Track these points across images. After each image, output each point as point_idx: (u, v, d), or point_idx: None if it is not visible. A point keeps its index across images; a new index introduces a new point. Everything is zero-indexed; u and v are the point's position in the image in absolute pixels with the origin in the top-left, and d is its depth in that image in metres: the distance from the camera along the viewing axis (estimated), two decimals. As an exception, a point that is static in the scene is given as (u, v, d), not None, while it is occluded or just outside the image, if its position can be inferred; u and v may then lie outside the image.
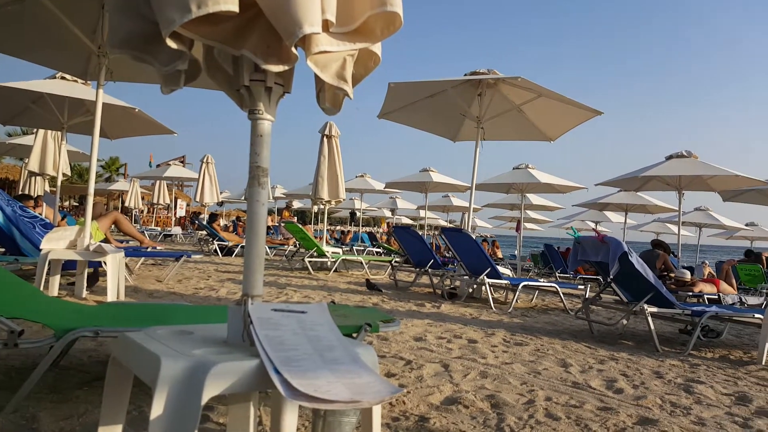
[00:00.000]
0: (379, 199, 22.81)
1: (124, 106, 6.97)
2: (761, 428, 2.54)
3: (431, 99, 7.84)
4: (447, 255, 12.79)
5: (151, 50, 1.56)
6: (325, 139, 9.81)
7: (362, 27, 1.52)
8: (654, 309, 4.55)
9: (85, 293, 4.90)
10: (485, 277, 6.48)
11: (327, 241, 10.91)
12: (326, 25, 1.42)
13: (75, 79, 6.66)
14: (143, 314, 2.85)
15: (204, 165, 15.84)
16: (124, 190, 23.46)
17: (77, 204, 30.92)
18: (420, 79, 7.82)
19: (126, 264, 5.68)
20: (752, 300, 7.59)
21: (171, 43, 1.39)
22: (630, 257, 4.62)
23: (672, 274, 7.95)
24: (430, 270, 7.75)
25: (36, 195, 9.69)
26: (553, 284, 7.01)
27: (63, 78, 6.80)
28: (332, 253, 9.73)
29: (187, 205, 30.54)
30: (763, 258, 10.73)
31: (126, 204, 22.14)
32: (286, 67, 1.47)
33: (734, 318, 4.70)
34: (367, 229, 27.94)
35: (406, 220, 26.85)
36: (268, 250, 12.79)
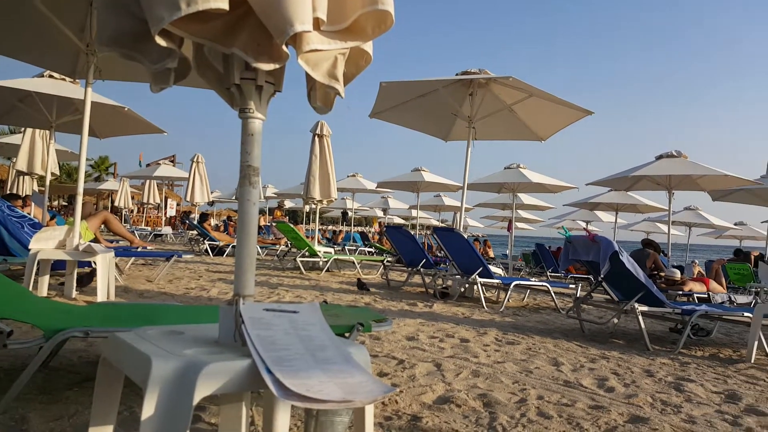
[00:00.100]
0: (370, 198, 22.80)
1: (114, 105, 6.92)
2: (750, 426, 2.56)
3: (423, 98, 7.84)
4: (439, 254, 12.81)
5: (140, 48, 1.54)
6: (316, 139, 9.79)
7: (353, 25, 1.51)
8: (645, 308, 4.58)
9: (74, 293, 4.86)
10: (477, 276, 6.49)
11: (319, 241, 10.89)
12: (317, 24, 1.42)
13: (63, 77, 6.60)
14: (134, 314, 2.83)
15: (194, 164, 15.76)
16: (114, 190, 23.31)
17: (66, 204, 30.66)
18: (413, 78, 7.82)
19: (116, 264, 5.64)
20: (741, 299, 7.66)
21: (160, 41, 1.38)
22: (621, 256, 4.64)
23: (662, 273, 8.01)
24: (422, 269, 7.75)
25: (24, 194, 9.60)
26: (544, 283, 7.04)
27: (51, 76, 6.74)
28: (324, 252, 9.72)
29: (178, 204, 30.37)
30: (752, 257, 10.83)
31: (116, 204, 22.00)
32: (277, 66, 1.46)
33: (724, 317, 4.74)
34: (359, 228, 27.91)
35: (398, 220, 26.87)
36: (260, 250, 12.75)
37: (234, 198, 21.47)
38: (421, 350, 3.75)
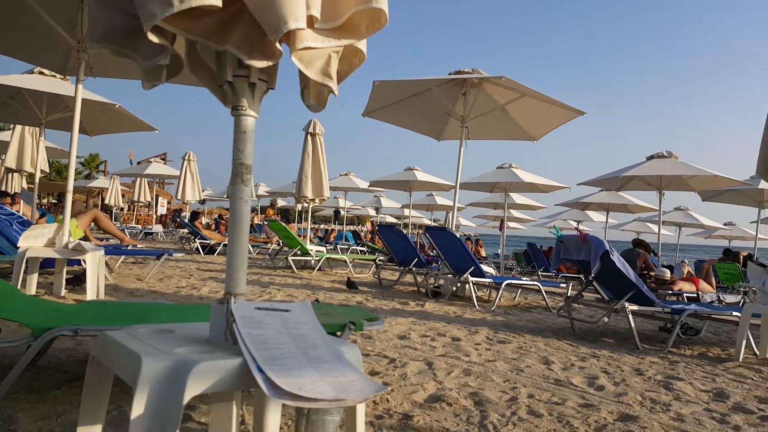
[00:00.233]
0: (363, 197, 22.78)
1: (105, 102, 6.87)
2: (738, 423, 2.58)
3: (416, 98, 7.85)
4: (431, 254, 12.84)
5: (132, 45, 1.53)
6: (309, 137, 9.77)
7: (347, 23, 1.51)
8: (635, 307, 4.61)
9: (63, 292, 4.82)
10: (469, 275, 6.51)
11: (311, 240, 10.87)
12: (311, 21, 1.41)
13: (54, 74, 6.55)
14: (123, 313, 2.81)
15: (186, 162, 15.69)
16: (104, 188, 23.15)
17: (56, 201, 30.45)
18: (406, 77, 7.83)
19: (106, 262, 5.60)
20: (730, 298, 7.74)
21: (152, 38, 1.37)
22: (611, 256, 4.67)
23: (652, 273, 8.07)
24: (414, 268, 7.76)
25: (13, 192, 9.50)
26: (535, 282, 7.07)
27: (41, 73, 6.68)
28: (316, 251, 9.70)
29: (169, 202, 30.22)
30: (741, 257, 10.93)
31: (106, 201, 21.85)
32: (270, 63, 1.46)
33: (712, 316, 4.79)
34: (352, 227, 27.90)
35: (390, 219, 26.86)
36: (251, 249, 12.71)
37: (225, 196, 21.37)
38: (412, 349, 3.76)
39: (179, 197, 15.91)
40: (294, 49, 1.43)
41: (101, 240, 7.94)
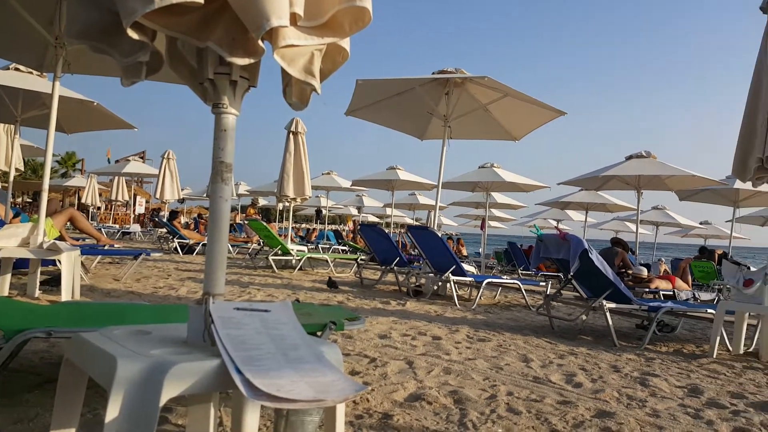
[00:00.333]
0: (345, 196, 22.73)
1: (82, 100, 6.74)
2: (711, 418, 2.64)
3: (399, 97, 7.85)
4: (413, 253, 12.86)
5: (111, 41, 1.51)
6: (291, 136, 9.71)
7: (331, 21, 1.50)
8: (612, 305, 4.67)
9: (37, 293, 4.73)
10: (450, 274, 6.54)
11: (292, 239, 10.81)
12: (294, 19, 1.41)
13: (30, 70, 6.40)
14: (99, 314, 2.76)
15: (165, 161, 15.50)
16: (81, 187, 22.78)
17: (31, 200, 29.86)
18: (391, 76, 7.83)
19: (82, 262, 5.51)
20: (705, 296, 7.89)
21: (132, 34, 1.35)
22: (590, 255, 4.73)
23: (630, 271, 8.19)
24: (395, 268, 7.77)
25: (-14, 190, 9.29)
26: (515, 281, 7.13)
27: (17, 69, 6.53)
28: (297, 251, 9.65)
29: (147, 201, 29.83)
30: (716, 255, 11.14)
31: (83, 200, 21.50)
32: (252, 61, 1.45)
33: (688, 313, 4.87)
34: (333, 226, 27.82)
35: (372, 218, 26.85)
36: (231, 248, 12.60)
37: (205, 195, 21.16)
38: (393, 348, 3.76)
39: (158, 196, 15.72)
40: (276, 47, 1.42)
41: (77, 240, 7.81)
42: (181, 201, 21.39)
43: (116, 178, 20.38)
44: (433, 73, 7.25)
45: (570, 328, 5.27)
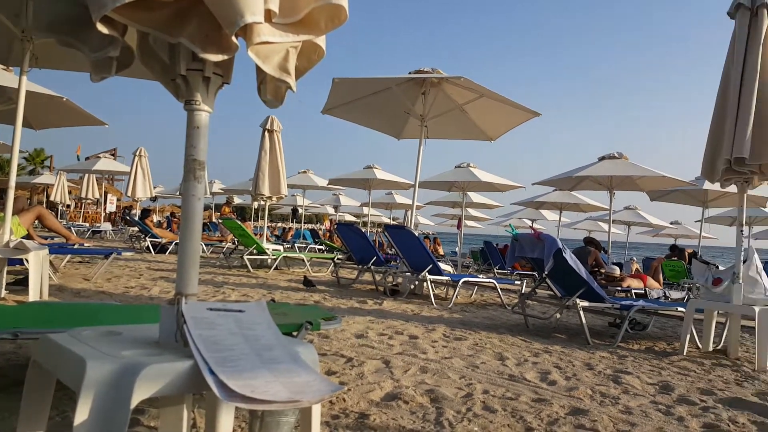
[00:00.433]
0: (321, 195, 22.64)
1: (51, 95, 6.58)
2: (682, 415, 2.69)
3: (376, 96, 7.84)
4: (390, 252, 12.88)
5: (80, 35, 1.47)
6: (266, 134, 9.63)
7: (306, 19, 1.49)
8: (585, 303, 4.74)
9: (4, 293, 4.59)
10: (427, 273, 6.56)
11: (267, 238, 10.72)
12: (269, 15, 1.39)
13: (-5, 65, 6.22)
14: (68, 314, 2.70)
15: (137, 158, 15.24)
16: (50, 184, 22.25)
17: (-3, 198, 29.00)
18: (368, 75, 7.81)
19: (51, 261, 5.37)
20: (675, 294, 8.06)
21: (102, 28, 1.32)
22: (564, 254, 4.79)
23: (602, 270, 8.32)
24: (372, 267, 7.76)
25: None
26: (491, 280, 7.18)
27: (-19, 63, 6.34)
28: (273, 250, 9.57)
29: (118, 200, 29.28)
30: (686, 254, 11.40)
31: (51, 198, 20.99)
32: (226, 57, 1.42)
33: (659, 311, 4.98)
34: (310, 225, 27.70)
35: (349, 217, 26.80)
36: (205, 248, 12.44)
37: (178, 193, 20.85)
38: (370, 348, 3.75)
39: (129, 194, 15.45)
40: (251, 44, 1.40)
41: (46, 238, 7.62)
42: (154, 199, 21.03)
43: (86, 175, 19.96)
44: (410, 73, 7.26)
45: (544, 327, 5.34)
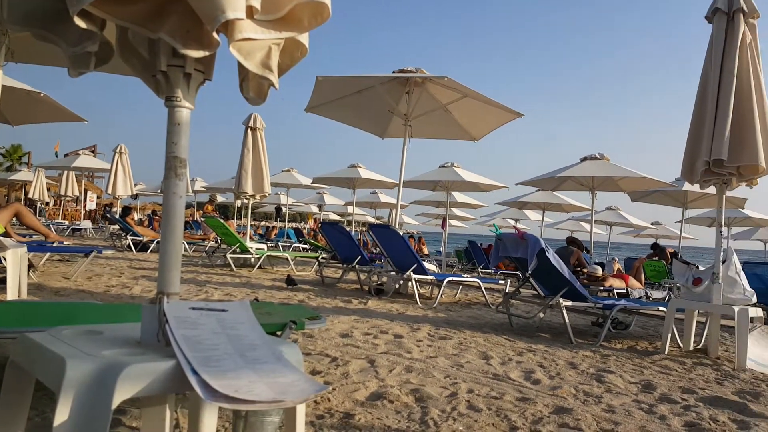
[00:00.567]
0: (306, 194, 22.57)
1: (29, 90, 6.46)
2: (664, 413, 2.72)
3: (359, 95, 7.82)
4: (374, 251, 12.87)
5: (57, 29, 1.44)
6: (249, 131, 9.56)
7: (289, 16, 1.47)
8: (569, 302, 4.78)
9: (-19, 292, 4.50)
10: (412, 273, 6.56)
11: (251, 237, 10.64)
12: (250, 12, 1.37)
13: (-30, 58, 6.09)
14: (47, 314, 2.65)
15: (117, 155, 15.03)
16: (28, 181, 21.88)
17: (-26, 195, 28.46)
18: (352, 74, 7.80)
19: (29, 260, 5.28)
20: (657, 294, 8.17)
21: (80, 23, 1.29)
22: (547, 253, 4.82)
23: (585, 270, 8.39)
24: (357, 266, 7.75)
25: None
26: (475, 279, 7.21)
27: (-44, 57, 6.20)
28: (256, 249, 9.51)
29: (98, 197, 28.89)
30: (668, 253, 11.54)
31: (29, 195, 20.62)
32: (207, 53, 1.40)
33: (641, 311, 5.03)
34: (294, 224, 27.57)
35: (333, 216, 26.74)
36: (187, 246, 12.32)
37: (159, 191, 20.61)
38: (354, 347, 3.74)
39: (110, 192, 15.24)
40: (232, 40, 1.38)
41: (24, 236, 7.48)
42: (135, 197, 20.77)
43: (66, 172, 19.64)
44: (394, 72, 7.26)
45: (528, 326, 5.37)
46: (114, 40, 1.52)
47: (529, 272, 5.06)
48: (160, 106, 1.50)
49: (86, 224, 18.44)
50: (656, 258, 11.04)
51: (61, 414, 1.14)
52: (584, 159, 10.25)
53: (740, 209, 14.16)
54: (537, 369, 3.49)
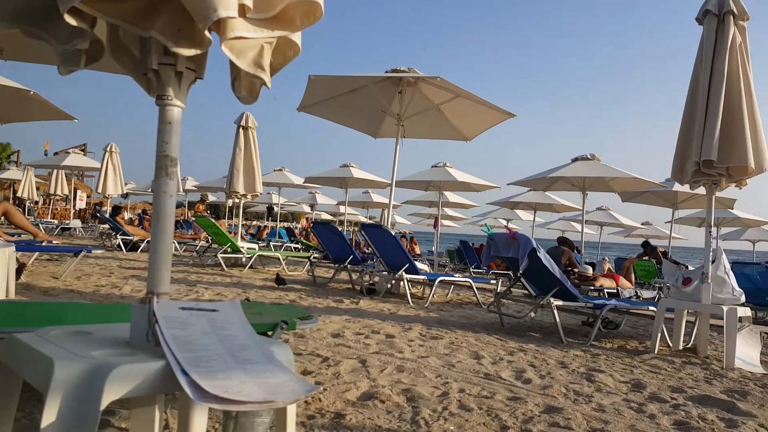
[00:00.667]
0: (298, 193, 22.52)
1: (18, 88, 6.39)
2: (653, 412, 2.74)
3: (352, 94, 7.82)
4: (366, 251, 12.85)
5: (47, 26, 1.43)
6: (241, 131, 9.52)
7: (281, 14, 1.47)
8: (559, 302, 4.80)
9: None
10: (404, 272, 6.56)
11: (242, 237, 10.60)
12: (243, 10, 1.36)
13: (-42, 55, 6.02)
14: (35, 314, 2.62)
15: (107, 154, 14.92)
16: (17, 179, 21.69)
17: (-39, 194, 28.16)
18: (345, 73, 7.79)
19: (17, 259, 5.22)
20: (646, 294, 8.22)
21: (70, 20, 1.28)
22: (538, 253, 4.84)
23: (576, 270, 8.43)
24: (349, 266, 7.74)
25: None
26: (467, 279, 7.23)
27: (-56, 53, 6.12)
28: (247, 248, 9.48)
29: (88, 196, 28.68)
30: (658, 252, 11.61)
31: (18, 194, 20.44)
32: (198, 52, 1.39)
33: (631, 311, 5.06)
34: (286, 224, 27.50)
35: (325, 216, 26.69)
36: (177, 246, 12.25)
37: (150, 190, 20.49)
38: (346, 347, 3.74)
39: (100, 191, 15.12)
40: (224, 38, 1.37)
41: (12, 235, 7.41)
42: (125, 196, 20.65)
43: (55, 171, 19.48)
44: (387, 72, 7.26)
45: (519, 325, 5.39)
46: (105, 37, 1.51)
47: (521, 272, 5.07)
48: (151, 104, 1.49)
49: (76, 223, 18.30)
50: (647, 257, 11.11)
51: (49, 415, 1.13)
52: (575, 159, 10.30)
53: (729, 210, 14.29)
54: (528, 368, 3.50)
